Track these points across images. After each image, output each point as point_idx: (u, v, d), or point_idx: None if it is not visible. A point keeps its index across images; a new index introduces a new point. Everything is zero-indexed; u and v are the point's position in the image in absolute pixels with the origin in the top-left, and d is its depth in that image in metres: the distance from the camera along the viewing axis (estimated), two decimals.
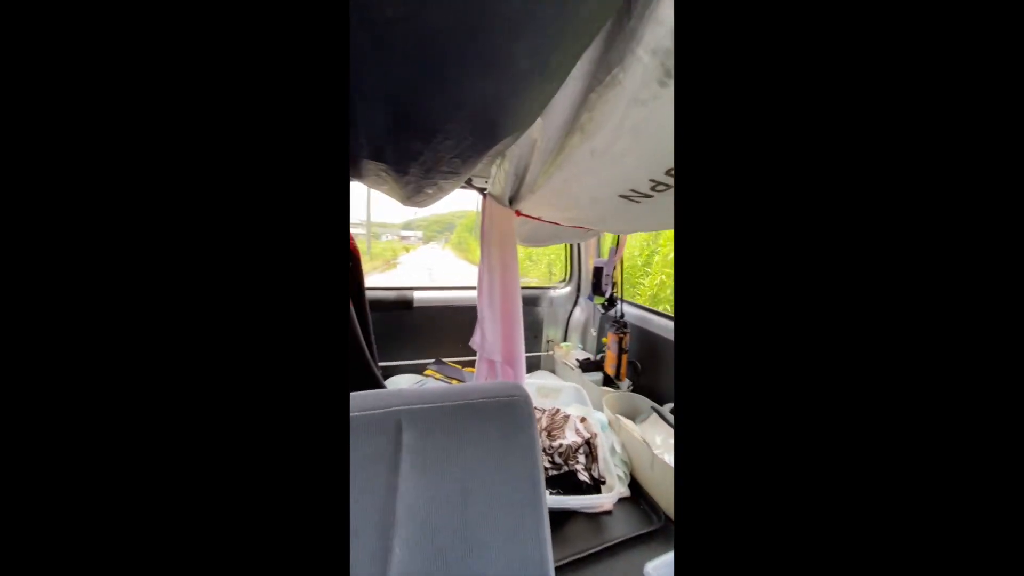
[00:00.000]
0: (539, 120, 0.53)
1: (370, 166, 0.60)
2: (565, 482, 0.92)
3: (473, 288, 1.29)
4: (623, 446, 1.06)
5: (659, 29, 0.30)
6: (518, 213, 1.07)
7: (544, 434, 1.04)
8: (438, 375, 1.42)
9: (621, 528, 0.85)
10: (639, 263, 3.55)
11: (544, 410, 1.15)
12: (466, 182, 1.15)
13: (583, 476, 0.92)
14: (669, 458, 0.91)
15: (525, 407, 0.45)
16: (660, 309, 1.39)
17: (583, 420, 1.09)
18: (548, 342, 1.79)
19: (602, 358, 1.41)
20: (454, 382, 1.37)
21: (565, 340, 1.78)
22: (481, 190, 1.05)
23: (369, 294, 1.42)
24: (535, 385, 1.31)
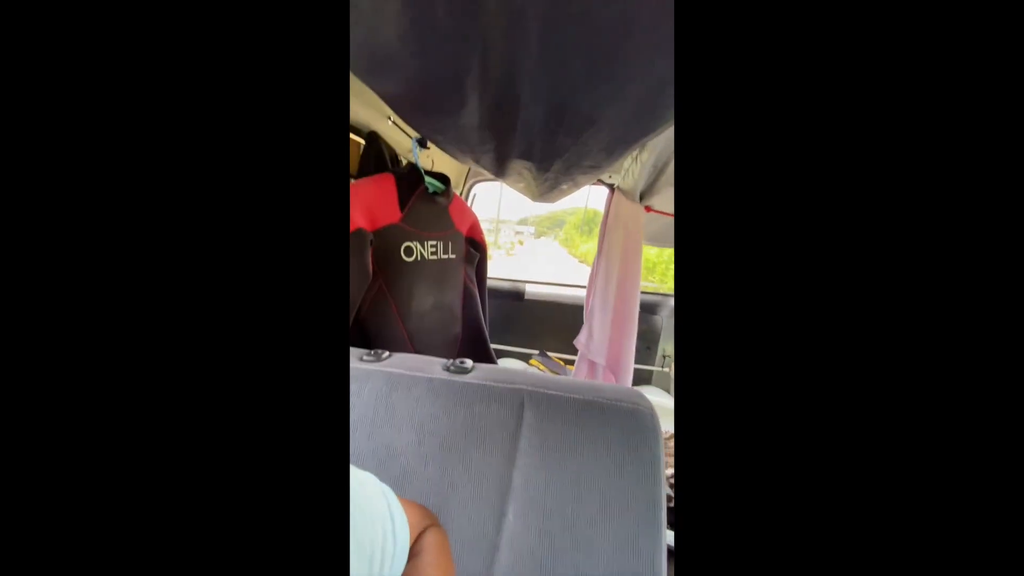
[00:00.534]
0: None
1: (515, 165, 0.65)
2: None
3: (582, 287, 1.26)
4: None
5: None
6: (648, 209, 0.99)
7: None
8: (542, 366, 1.46)
9: None
10: None
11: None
12: None
13: None
14: None
15: (650, 420, 0.42)
16: None
17: None
18: (664, 357, 1.55)
19: None
20: None
21: None
22: (609, 185, 1.01)
23: (488, 283, 1.57)
24: None
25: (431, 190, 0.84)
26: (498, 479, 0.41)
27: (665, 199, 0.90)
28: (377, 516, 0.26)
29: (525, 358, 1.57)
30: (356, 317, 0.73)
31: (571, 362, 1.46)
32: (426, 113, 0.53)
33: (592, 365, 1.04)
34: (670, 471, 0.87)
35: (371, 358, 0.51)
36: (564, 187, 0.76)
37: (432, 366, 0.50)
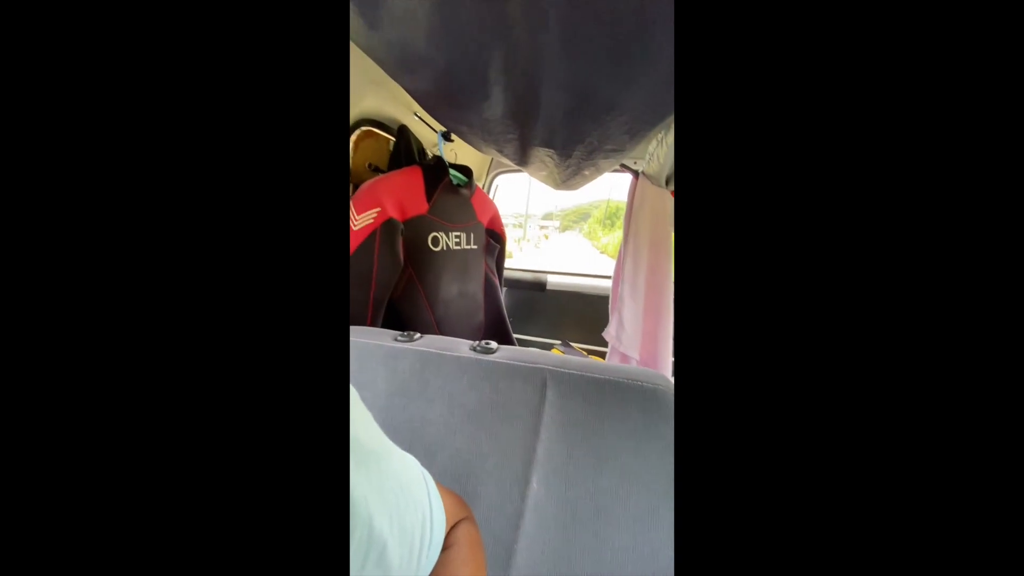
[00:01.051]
0: None
1: (538, 153, 0.66)
2: None
3: (607, 277, 1.23)
4: None
5: None
6: (674, 193, 0.97)
7: None
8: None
9: None
10: None
11: None
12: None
13: None
14: None
15: (669, 399, 0.43)
16: None
17: None
18: None
19: None
20: None
21: None
22: (633, 171, 1.00)
23: (509, 274, 1.59)
24: None
25: (455, 182, 0.87)
26: (523, 450, 0.44)
27: None
28: (418, 503, 0.25)
29: (547, 348, 1.58)
30: (390, 300, 0.78)
31: (595, 353, 1.46)
32: (453, 106, 0.56)
33: (624, 359, 1.00)
34: None
35: (404, 339, 0.54)
36: (586, 172, 0.76)
37: (460, 346, 0.53)
